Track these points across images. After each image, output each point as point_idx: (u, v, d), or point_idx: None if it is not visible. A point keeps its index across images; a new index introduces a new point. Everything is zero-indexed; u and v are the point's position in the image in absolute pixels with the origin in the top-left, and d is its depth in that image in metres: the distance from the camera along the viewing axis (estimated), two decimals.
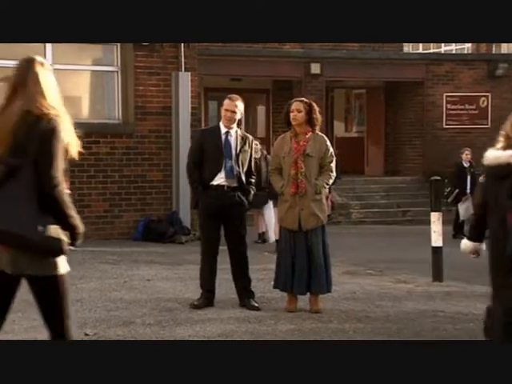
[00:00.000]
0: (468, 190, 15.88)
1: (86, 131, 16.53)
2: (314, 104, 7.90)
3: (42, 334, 4.32)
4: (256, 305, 7.88)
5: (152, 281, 9.39)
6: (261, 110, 21.90)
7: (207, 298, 7.91)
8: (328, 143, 7.88)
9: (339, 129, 23.34)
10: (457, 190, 15.82)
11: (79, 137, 4.09)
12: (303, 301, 7.88)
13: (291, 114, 7.74)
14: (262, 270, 10.25)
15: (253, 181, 8.06)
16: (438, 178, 10.45)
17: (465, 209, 15.70)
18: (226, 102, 7.86)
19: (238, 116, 7.88)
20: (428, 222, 16.71)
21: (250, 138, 8.09)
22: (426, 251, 10.26)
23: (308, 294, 7.81)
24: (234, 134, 7.91)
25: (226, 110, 7.82)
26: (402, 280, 9.90)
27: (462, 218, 15.83)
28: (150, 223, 13.88)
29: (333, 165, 7.84)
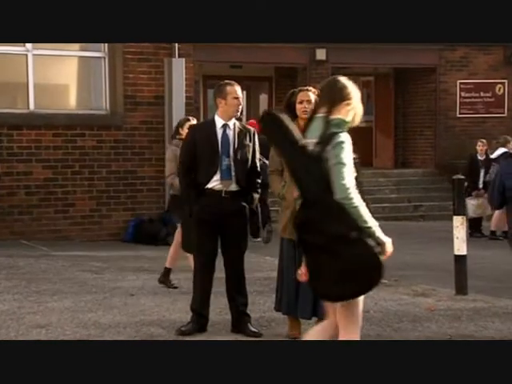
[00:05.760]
0: (480, 185, 14.74)
1: (71, 123, 15.56)
2: None
3: None
4: (254, 330, 6.76)
5: (136, 296, 8.32)
6: (263, 99, 21.23)
7: (198, 323, 6.79)
8: None
9: None
10: (465, 184, 14.57)
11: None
12: (308, 324, 6.77)
13: (299, 106, 6.60)
14: (263, 279, 9.26)
15: (258, 182, 6.93)
16: (461, 176, 9.30)
17: (474, 205, 14.54)
18: (231, 89, 6.69)
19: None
20: (441, 218, 15.96)
21: (252, 130, 6.91)
22: (441, 253, 9.45)
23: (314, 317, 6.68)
24: (233, 126, 6.77)
25: (235, 97, 6.67)
26: (420, 292, 8.81)
27: (470, 214, 14.58)
28: (141, 223, 13.36)
29: None
